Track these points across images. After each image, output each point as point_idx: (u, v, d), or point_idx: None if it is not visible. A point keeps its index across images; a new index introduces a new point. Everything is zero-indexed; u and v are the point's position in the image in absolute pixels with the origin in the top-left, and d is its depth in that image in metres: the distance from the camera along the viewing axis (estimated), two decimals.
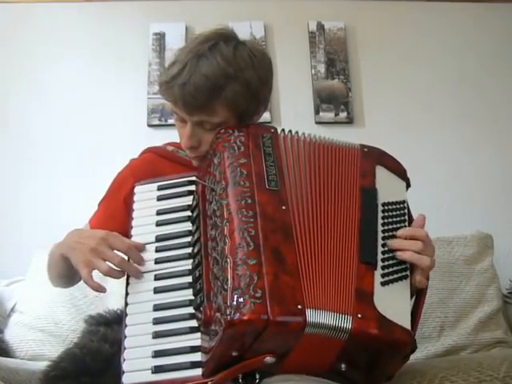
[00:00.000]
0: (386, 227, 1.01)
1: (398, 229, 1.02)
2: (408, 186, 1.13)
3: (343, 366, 0.93)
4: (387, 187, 1.07)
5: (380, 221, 1.01)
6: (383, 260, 0.97)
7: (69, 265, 1.07)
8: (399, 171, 1.12)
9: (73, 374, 1.22)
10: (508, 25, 2.55)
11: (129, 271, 1.00)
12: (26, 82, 2.32)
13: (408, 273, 0.99)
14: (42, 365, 1.36)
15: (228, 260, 0.88)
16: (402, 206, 1.07)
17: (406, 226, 1.04)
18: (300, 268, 0.90)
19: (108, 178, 1.30)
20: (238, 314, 0.82)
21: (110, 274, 0.99)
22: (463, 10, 2.56)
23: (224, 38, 1.12)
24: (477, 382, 1.06)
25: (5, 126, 2.28)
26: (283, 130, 1.10)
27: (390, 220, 1.03)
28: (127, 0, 2.45)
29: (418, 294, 1.04)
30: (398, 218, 1.04)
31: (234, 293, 0.84)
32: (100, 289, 0.99)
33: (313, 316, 0.86)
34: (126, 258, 1.03)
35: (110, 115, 2.31)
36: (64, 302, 1.82)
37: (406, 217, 1.06)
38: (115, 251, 1.01)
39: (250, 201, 0.95)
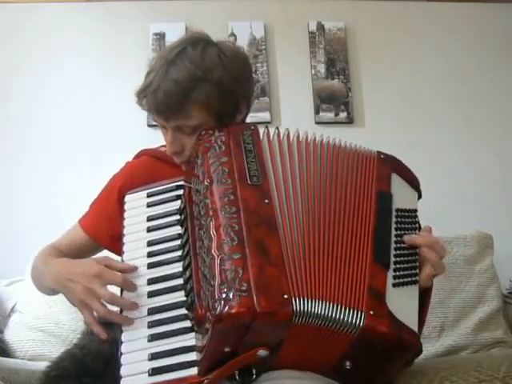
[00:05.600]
0: (398, 232, 1.02)
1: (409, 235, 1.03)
2: (419, 197, 1.15)
3: (348, 363, 0.94)
4: (401, 195, 1.09)
5: (393, 225, 1.03)
6: (395, 263, 0.98)
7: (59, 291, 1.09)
8: (413, 181, 1.15)
9: (73, 374, 1.22)
10: (508, 25, 2.55)
11: (122, 306, 1.00)
12: (26, 82, 2.32)
13: (418, 278, 1.00)
14: (42, 365, 1.36)
15: (214, 256, 0.89)
16: (414, 214, 1.09)
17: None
18: (286, 259, 0.90)
19: (107, 177, 1.30)
20: (225, 309, 0.83)
21: (107, 316, 0.99)
22: (463, 10, 2.56)
23: (192, 42, 1.14)
24: (477, 382, 1.06)
25: (4, 125, 2.27)
26: (287, 129, 1.11)
27: (403, 226, 1.04)
28: (127, 0, 2.45)
29: (423, 298, 1.04)
30: (410, 226, 1.06)
31: (221, 288, 0.85)
32: (101, 334, 1.00)
33: (301, 305, 0.86)
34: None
35: (110, 115, 2.31)
36: (64, 302, 1.80)
37: (417, 225, 1.08)
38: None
39: (232, 197, 0.96)
